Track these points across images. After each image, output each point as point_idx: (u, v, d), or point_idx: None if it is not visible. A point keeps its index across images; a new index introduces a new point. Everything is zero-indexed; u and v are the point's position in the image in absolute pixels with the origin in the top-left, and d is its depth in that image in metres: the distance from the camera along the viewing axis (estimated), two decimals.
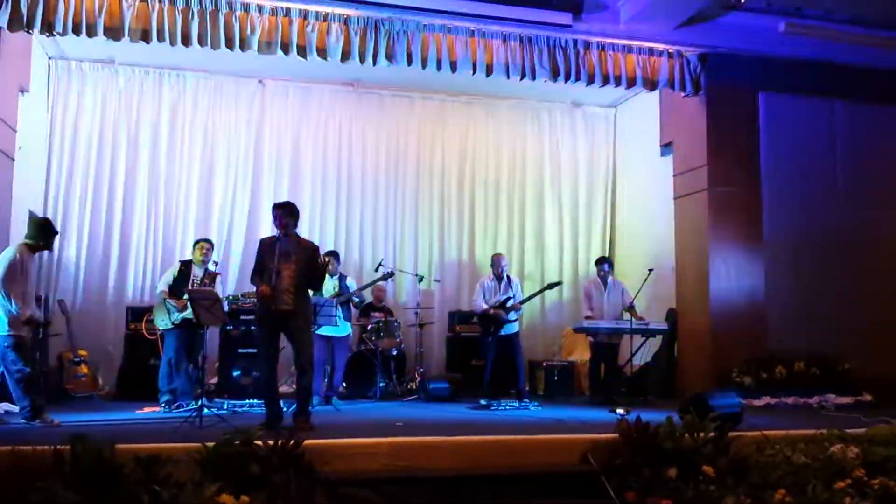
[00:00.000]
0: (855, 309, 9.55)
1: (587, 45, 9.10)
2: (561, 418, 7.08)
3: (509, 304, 8.74)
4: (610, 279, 9.38)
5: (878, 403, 8.82)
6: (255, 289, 6.70)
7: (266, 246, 6.57)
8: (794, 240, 9.60)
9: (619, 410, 7.32)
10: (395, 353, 9.66)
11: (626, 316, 9.06)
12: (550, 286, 9.24)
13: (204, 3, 7.99)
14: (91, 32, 7.75)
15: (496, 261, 9.13)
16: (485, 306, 8.88)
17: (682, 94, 9.47)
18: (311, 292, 6.84)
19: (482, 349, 9.30)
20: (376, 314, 9.74)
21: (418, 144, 11.27)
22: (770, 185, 9.62)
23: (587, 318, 9.16)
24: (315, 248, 6.71)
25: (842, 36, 9.47)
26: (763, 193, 9.59)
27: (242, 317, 8.70)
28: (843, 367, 9.16)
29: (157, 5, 7.86)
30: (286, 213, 6.55)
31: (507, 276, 9.04)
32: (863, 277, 9.71)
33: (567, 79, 9.04)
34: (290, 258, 6.40)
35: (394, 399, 9.23)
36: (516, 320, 8.83)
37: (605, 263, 9.48)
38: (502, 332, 8.75)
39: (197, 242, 8.27)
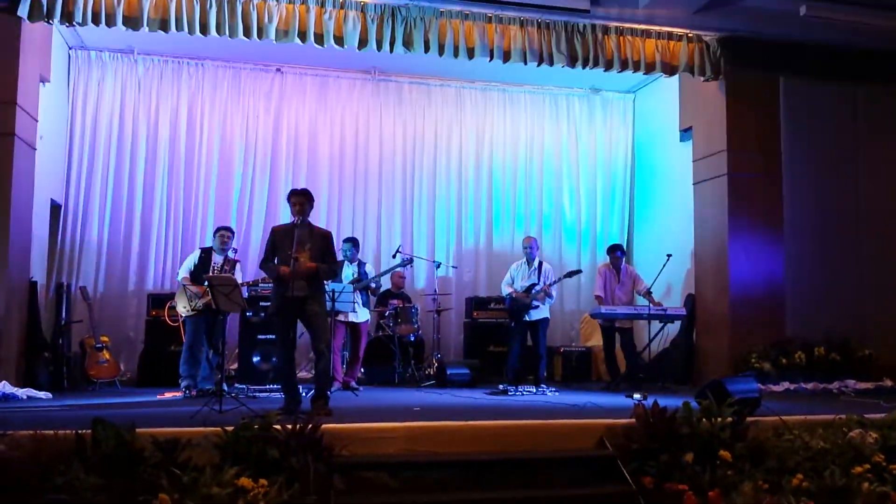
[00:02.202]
0: (875, 295, 9.49)
1: (605, 30, 9.04)
2: (578, 403, 7.08)
3: (534, 290, 8.73)
4: (623, 266, 9.38)
5: None
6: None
7: (280, 234, 6.61)
8: (814, 225, 9.53)
9: (636, 395, 7.32)
10: (412, 339, 9.70)
11: (644, 301, 9.04)
12: (570, 274, 9.20)
13: None
14: (110, 22, 7.83)
15: (525, 244, 9.14)
16: (509, 289, 8.91)
17: (702, 78, 9.40)
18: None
19: (506, 335, 9.34)
20: (395, 301, 9.77)
21: (436, 132, 11.27)
22: (790, 170, 9.54)
23: (597, 297, 9.19)
24: (329, 235, 6.74)
25: (863, 20, 9.34)
26: (783, 178, 9.51)
27: (262, 303, 8.78)
28: (864, 353, 9.10)
29: None
30: (304, 200, 6.58)
31: (540, 262, 9.02)
32: (884, 263, 9.63)
33: (585, 64, 8.99)
34: (305, 245, 6.44)
35: (412, 385, 9.26)
36: (538, 307, 8.78)
37: (617, 251, 9.46)
38: (527, 318, 8.74)
39: (218, 230, 8.32)
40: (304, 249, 6.42)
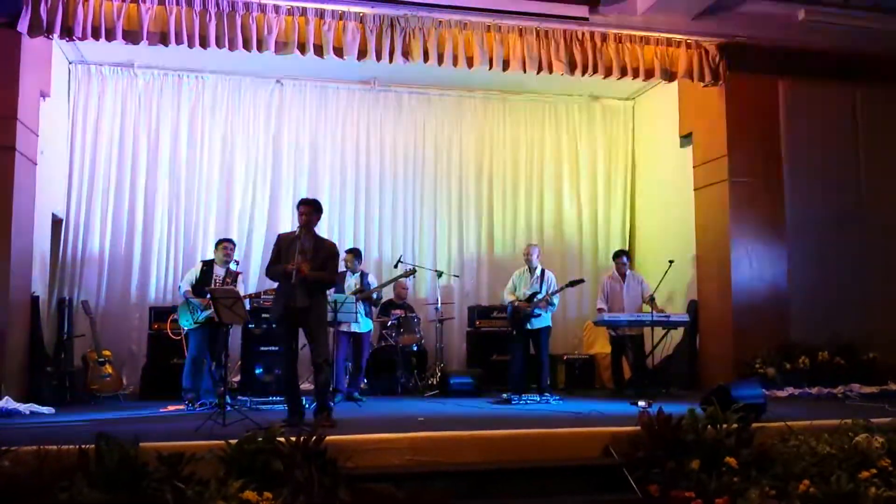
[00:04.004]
0: (879, 297, 9.46)
1: (604, 38, 9.05)
2: (582, 412, 7.05)
3: (535, 299, 8.69)
4: (628, 272, 9.38)
5: None
6: (274, 286, 6.74)
7: (285, 242, 6.60)
8: (816, 228, 9.51)
9: (641, 403, 7.29)
10: (415, 348, 9.68)
11: (647, 308, 9.02)
12: (572, 283, 9.16)
13: (221, 4, 8.05)
14: (110, 37, 7.85)
15: (525, 252, 9.12)
16: (511, 297, 8.88)
17: (702, 84, 9.39)
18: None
19: (508, 343, 9.33)
20: (397, 311, 9.75)
21: (436, 141, 11.28)
22: (791, 174, 9.54)
23: (599, 310, 9.17)
24: (333, 247, 6.72)
25: (861, 23, 9.37)
26: (784, 182, 9.51)
27: (264, 315, 8.77)
28: (868, 357, 9.06)
29: (174, 8, 7.93)
30: (312, 210, 6.58)
31: (543, 270, 8.99)
32: (887, 265, 9.61)
33: (584, 72, 9.00)
34: (308, 256, 6.43)
35: (415, 394, 9.24)
36: (539, 315, 8.74)
37: (623, 256, 9.48)
38: (529, 327, 8.71)
39: (220, 242, 8.32)
40: (306, 259, 6.42)
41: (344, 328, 8.33)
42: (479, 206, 11.34)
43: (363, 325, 8.60)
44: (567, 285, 9.07)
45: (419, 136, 11.22)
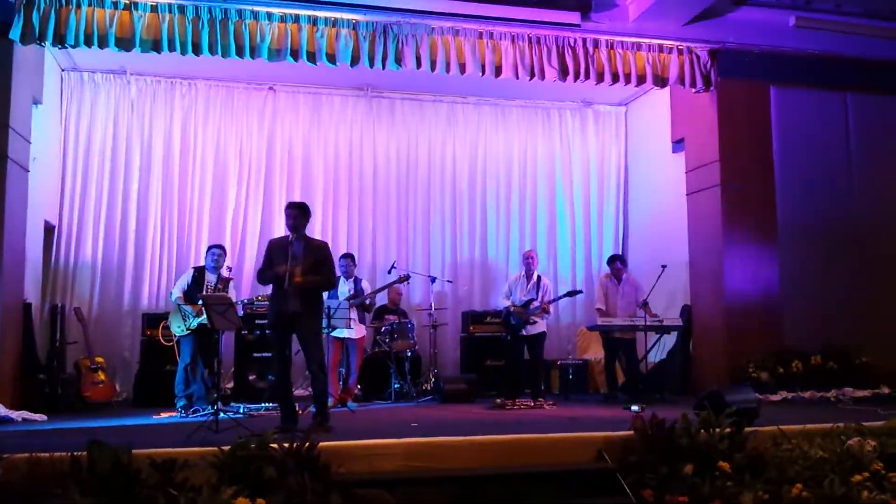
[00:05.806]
0: (872, 302, 9.47)
1: (596, 44, 9.08)
2: (576, 416, 7.05)
3: (532, 308, 8.69)
4: (623, 276, 9.38)
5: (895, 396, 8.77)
6: (268, 291, 6.72)
7: (276, 247, 6.57)
8: (808, 233, 9.54)
9: (634, 407, 7.30)
10: (409, 354, 9.66)
11: (641, 313, 9.04)
12: (570, 294, 9.19)
13: (214, 12, 8.05)
14: (102, 44, 7.84)
15: (526, 257, 9.11)
16: (507, 303, 8.87)
17: (693, 90, 9.44)
18: (324, 294, 6.89)
19: (503, 349, 9.32)
20: (391, 317, 9.75)
21: (429, 147, 11.30)
22: (783, 179, 9.57)
23: (598, 309, 9.18)
24: (324, 246, 6.71)
25: (852, 29, 9.43)
26: (776, 187, 9.54)
27: (257, 321, 8.76)
28: (861, 361, 9.09)
29: (167, 15, 7.94)
30: (300, 214, 6.56)
31: (539, 277, 8.98)
32: (879, 270, 9.63)
33: (576, 78, 9.03)
34: (300, 260, 6.40)
35: (408, 400, 9.24)
36: (535, 322, 8.74)
37: (617, 261, 9.48)
38: (524, 333, 8.69)
39: (209, 248, 8.32)
40: (298, 264, 6.39)
41: (337, 334, 8.33)
42: (472, 211, 11.36)
43: (356, 330, 8.59)
44: (564, 295, 9.11)
45: (412, 143, 11.24)
